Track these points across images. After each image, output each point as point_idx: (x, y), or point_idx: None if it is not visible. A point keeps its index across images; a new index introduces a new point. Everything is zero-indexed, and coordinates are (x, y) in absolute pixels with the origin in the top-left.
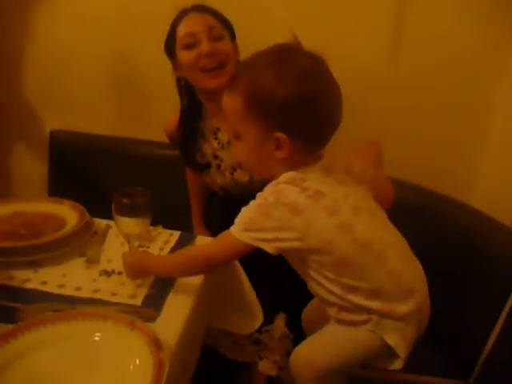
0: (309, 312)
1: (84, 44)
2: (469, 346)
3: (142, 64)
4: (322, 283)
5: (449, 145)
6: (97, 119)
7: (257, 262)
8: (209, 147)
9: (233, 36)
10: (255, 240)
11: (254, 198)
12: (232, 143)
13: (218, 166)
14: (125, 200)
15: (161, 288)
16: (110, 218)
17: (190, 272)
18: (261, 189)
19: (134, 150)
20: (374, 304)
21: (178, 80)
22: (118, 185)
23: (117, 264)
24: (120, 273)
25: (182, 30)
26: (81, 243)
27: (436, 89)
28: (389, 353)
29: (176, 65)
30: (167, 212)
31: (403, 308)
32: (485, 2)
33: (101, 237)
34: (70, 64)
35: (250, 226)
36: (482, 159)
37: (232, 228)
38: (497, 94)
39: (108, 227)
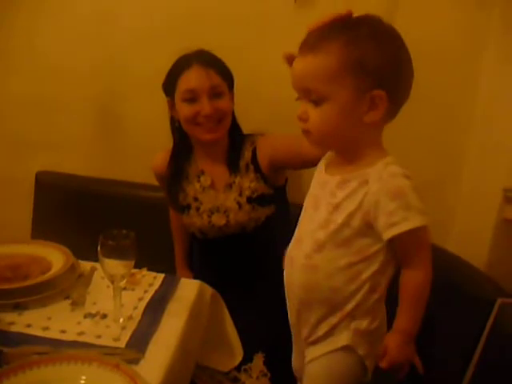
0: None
1: (71, 89)
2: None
3: (128, 108)
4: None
5: (426, 186)
6: (83, 161)
7: (239, 301)
8: (191, 189)
9: (232, 85)
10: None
11: (229, 240)
12: (306, 114)
13: (198, 209)
14: (110, 242)
15: (145, 330)
16: (95, 260)
17: (428, 295)
18: (235, 232)
19: (119, 192)
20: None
21: (172, 119)
22: (102, 227)
23: (101, 306)
24: (104, 315)
25: (183, 83)
26: (66, 286)
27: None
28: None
29: (172, 105)
30: (151, 254)
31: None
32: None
33: (86, 279)
34: (57, 106)
35: (422, 207)
36: (457, 200)
37: (411, 223)
38: (470, 137)
39: (93, 269)
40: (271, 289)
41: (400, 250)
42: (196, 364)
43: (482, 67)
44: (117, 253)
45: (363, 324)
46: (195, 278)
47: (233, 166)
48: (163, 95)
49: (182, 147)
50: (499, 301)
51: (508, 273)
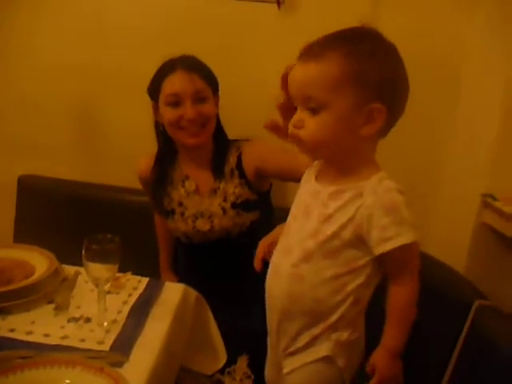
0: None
1: (54, 92)
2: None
3: (111, 111)
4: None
5: (408, 191)
6: (66, 165)
7: (223, 304)
8: (176, 194)
9: (216, 90)
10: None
11: (214, 245)
12: (302, 122)
13: (182, 214)
14: (95, 246)
15: (129, 333)
16: (79, 264)
17: (415, 312)
18: (220, 237)
19: (103, 196)
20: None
21: (157, 123)
22: (86, 231)
23: (85, 310)
24: (88, 319)
25: (167, 87)
26: (50, 290)
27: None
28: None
29: (156, 108)
30: (136, 258)
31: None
32: None
33: (70, 283)
34: (39, 109)
35: (414, 223)
36: (438, 205)
37: (404, 238)
38: (451, 145)
39: (77, 274)
40: (255, 292)
41: (390, 265)
42: (180, 367)
43: (463, 77)
44: (101, 257)
45: (344, 335)
46: (180, 281)
47: (217, 171)
48: (148, 99)
49: (167, 152)
50: (476, 303)
51: (486, 275)
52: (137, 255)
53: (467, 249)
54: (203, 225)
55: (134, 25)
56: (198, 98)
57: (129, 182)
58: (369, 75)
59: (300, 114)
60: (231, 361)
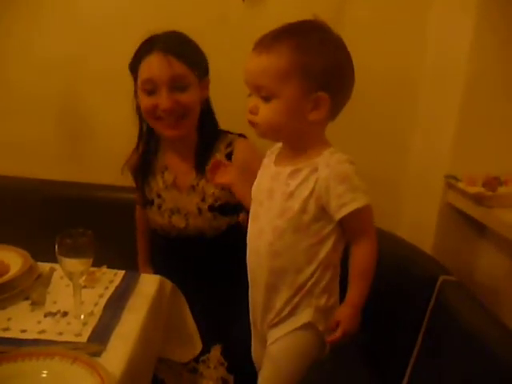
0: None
1: (39, 86)
2: (395, 359)
3: (95, 110)
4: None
5: (376, 175)
6: (43, 164)
7: (198, 294)
8: (155, 184)
9: (203, 75)
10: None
11: (189, 242)
12: (256, 108)
13: (159, 206)
14: (68, 240)
15: (106, 324)
16: (54, 261)
17: (375, 269)
18: (195, 236)
19: (76, 193)
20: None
21: (137, 107)
22: (59, 228)
23: (62, 305)
24: (65, 313)
25: (143, 72)
26: (25, 287)
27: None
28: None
29: (136, 90)
30: (112, 253)
31: None
32: None
33: (45, 280)
34: (20, 107)
35: (366, 188)
36: (404, 188)
37: (358, 203)
38: (414, 129)
39: (52, 270)
40: (230, 285)
41: (349, 228)
42: (157, 357)
43: (425, 66)
44: (74, 251)
45: (322, 301)
46: (155, 273)
47: (200, 166)
48: (127, 93)
49: (149, 138)
50: (441, 278)
51: (453, 254)
52: (114, 252)
53: (434, 229)
54: (179, 221)
55: (106, 14)
56: (177, 86)
57: (102, 179)
58: (314, 66)
59: (254, 101)
60: (205, 350)
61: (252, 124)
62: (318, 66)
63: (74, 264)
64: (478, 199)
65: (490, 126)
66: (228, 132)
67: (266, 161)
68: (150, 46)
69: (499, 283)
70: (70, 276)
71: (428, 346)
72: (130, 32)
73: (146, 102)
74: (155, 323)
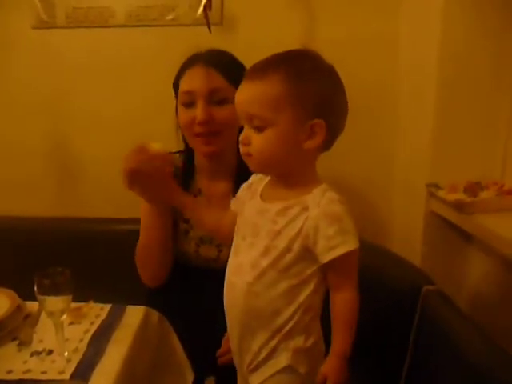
0: None
1: (21, 128)
2: (386, 372)
3: (81, 149)
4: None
5: (363, 186)
6: (28, 201)
7: (188, 324)
8: None
9: None
10: None
11: (208, 274)
12: (248, 138)
13: (186, 232)
14: (45, 280)
15: (90, 360)
16: None
17: (357, 316)
18: (222, 269)
19: (64, 228)
20: None
21: (178, 126)
22: (45, 264)
23: (48, 343)
24: (50, 351)
25: (183, 84)
26: (13, 327)
27: None
28: None
29: (176, 108)
30: (104, 286)
31: None
32: None
33: (33, 319)
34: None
35: (356, 231)
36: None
37: (347, 246)
38: (398, 140)
39: (41, 309)
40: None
41: (333, 272)
42: None
43: (399, 78)
44: (54, 290)
45: (300, 342)
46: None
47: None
48: (115, 130)
49: (187, 157)
50: (424, 288)
51: (440, 262)
52: (99, 283)
53: (421, 238)
54: (208, 251)
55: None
56: (215, 100)
57: (87, 212)
58: (309, 94)
59: (246, 132)
60: (199, 382)
61: (245, 156)
62: (311, 94)
63: (54, 303)
64: (458, 206)
65: (467, 132)
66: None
67: (247, 193)
68: (192, 59)
69: (483, 290)
70: (51, 315)
71: (417, 358)
72: (114, 67)
73: (183, 115)
74: (140, 355)
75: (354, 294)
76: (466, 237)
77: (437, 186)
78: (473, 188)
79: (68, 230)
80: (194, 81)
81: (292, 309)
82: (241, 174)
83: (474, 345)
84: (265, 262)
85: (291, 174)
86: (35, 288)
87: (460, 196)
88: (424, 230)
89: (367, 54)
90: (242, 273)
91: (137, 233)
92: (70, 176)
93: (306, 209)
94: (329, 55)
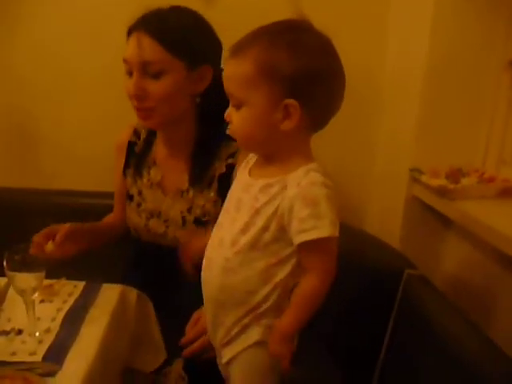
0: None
1: None
2: (365, 356)
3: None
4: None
5: (343, 171)
6: None
7: (163, 304)
8: (138, 179)
9: (196, 62)
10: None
11: (162, 249)
12: (230, 116)
13: (139, 204)
14: (17, 256)
15: (63, 341)
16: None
17: (319, 303)
18: (170, 246)
19: (24, 201)
20: None
21: None
22: (7, 238)
23: (16, 322)
24: (20, 331)
25: (124, 51)
26: None
27: None
28: None
29: None
30: (71, 263)
31: None
32: None
33: (0, 296)
34: None
35: (334, 218)
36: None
37: (322, 232)
38: (380, 124)
39: (8, 285)
40: (197, 296)
41: (304, 256)
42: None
43: (385, 62)
44: (25, 266)
45: (272, 319)
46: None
47: (194, 171)
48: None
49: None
50: (406, 272)
51: (419, 247)
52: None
53: (400, 222)
54: (157, 226)
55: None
56: (151, 72)
57: (51, 184)
58: (282, 70)
59: (229, 110)
60: (168, 363)
61: (230, 133)
62: (284, 69)
63: (25, 279)
64: (440, 192)
65: (451, 118)
66: (233, 139)
67: (242, 166)
68: (135, 25)
69: (463, 275)
70: (22, 293)
71: (397, 345)
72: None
73: (125, 84)
74: (118, 335)
75: (319, 282)
76: (445, 222)
77: (419, 171)
78: (454, 174)
79: (29, 202)
80: (129, 50)
81: (267, 289)
82: (198, 152)
83: (456, 330)
84: (243, 240)
85: (276, 152)
86: (4, 263)
87: (442, 182)
88: (404, 214)
89: (354, 36)
90: (220, 247)
91: (107, 207)
92: (30, 142)
93: (285, 187)
94: None
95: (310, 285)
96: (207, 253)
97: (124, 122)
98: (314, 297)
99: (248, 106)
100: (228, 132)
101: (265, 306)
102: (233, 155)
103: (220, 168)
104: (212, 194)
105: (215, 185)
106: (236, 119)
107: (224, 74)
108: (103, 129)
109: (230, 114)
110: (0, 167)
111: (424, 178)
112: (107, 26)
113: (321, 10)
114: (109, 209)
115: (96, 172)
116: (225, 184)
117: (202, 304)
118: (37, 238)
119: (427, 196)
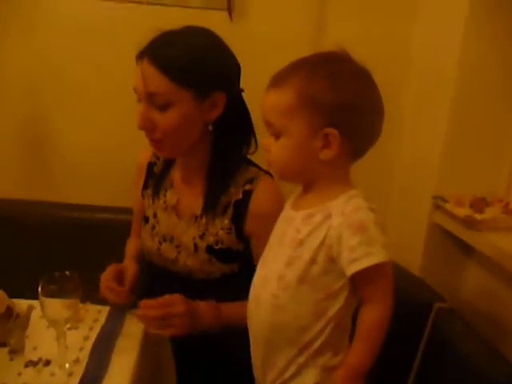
0: None
1: None
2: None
3: (58, 128)
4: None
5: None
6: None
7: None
8: (156, 200)
9: (207, 91)
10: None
11: (173, 276)
12: (268, 146)
13: (153, 227)
14: (52, 286)
15: (94, 373)
16: (31, 296)
17: (385, 333)
18: (180, 272)
19: (44, 213)
20: None
21: None
22: (33, 255)
23: (43, 352)
24: (48, 362)
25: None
26: (2, 332)
27: None
28: None
29: None
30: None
31: None
32: None
33: (23, 321)
34: None
35: (385, 242)
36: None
37: (375, 258)
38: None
39: (31, 309)
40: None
41: (361, 285)
42: None
43: (411, 82)
44: (59, 295)
45: (329, 360)
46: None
47: (209, 197)
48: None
49: None
50: (436, 305)
51: (441, 276)
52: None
53: (422, 250)
54: (169, 251)
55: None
56: (157, 104)
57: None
58: (322, 99)
59: (267, 139)
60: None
61: (268, 163)
62: (324, 99)
63: (59, 309)
64: (467, 222)
65: (476, 147)
66: (253, 164)
67: (286, 204)
68: (141, 53)
69: (486, 305)
70: (54, 323)
71: (424, 377)
72: (101, 41)
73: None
74: (146, 366)
75: (383, 308)
76: (467, 251)
77: (443, 199)
78: (478, 203)
79: (40, 215)
80: (136, 79)
81: (321, 324)
82: (213, 177)
83: (487, 363)
84: (290, 274)
85: (315, 181)
86: (39, 290)
87: (467, 211)
88: (425, 242)
89: (377, 55)
90: (267, 285)
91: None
92: (42, 155)
93: (329, 217)
94: None
95: (372, 315)
96: (254, 291)
97: (139, 137)
98: (378, 327)
99: (288, 136)
100: (267, 162)
101: (319, 342)
102: (251, 181)
103: (236, 194)
104: (226, 222)
105: (230, 211)
106: (275, 149)
107: (263, 103)
108: (118, 144)
109: (269, 143)
110: (14, 180)
111: (448, 207)
112: (126, 39)
113: (344, 27)
114: (121, 223)
115: (110, 187)
116: (240, 211)
117: (210, 331)
118: (106, 280)
119: (451, 225)
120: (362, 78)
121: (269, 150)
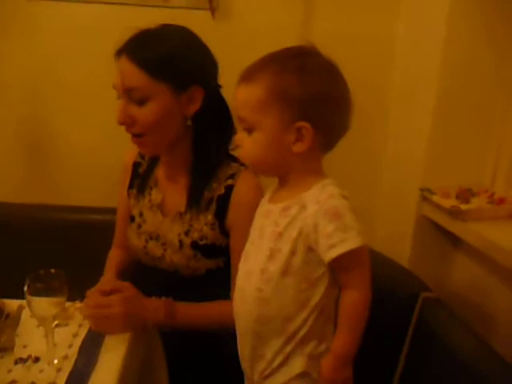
0: None
1: None
2: (379, 380)
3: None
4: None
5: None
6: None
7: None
8: (141, 199)
9: (184, 85)
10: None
11: (161, 274)
12: (241, 141)
13: (139, 226)
14: (38, 284)
15: (82, 369)
16: (21, 296)
17: (366, 316)
18: (168, 269)
19: (41, 216)
20: None
21: None
22: (25, 256)
23: (33, 349)
24: (37, 359)
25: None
26: None
27: None
28: None
29: None
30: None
31: None
32: None
33: (13, 320)
34: None
35: (360, 227)
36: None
37: (352, 243)
38: (387, 144)
39: (21, 308)
40: None
41: (339, 271)
42: None
43: (396, 77)
44: (46, 293)
45: (315, 348)
46: None
47: (192, 193)
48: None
49: None
50: (422, 295)
51: (429, 267)
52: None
53: (410, 242)
54: (155, 249)
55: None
56: (135, 99)
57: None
58: (293, 93)
59: (240, 134)
60: None
61: (241, 158)
62: (295, 93)
63: (46, 307)
64: (454, 213)
65: (461, 139)
66: (234, 159)
67: (264, 198)
68: (120, 49)
69: (474, 295)
70: (42, 320)
71: (412, 368)
72: (99, 45)
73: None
74: (134, 363)
75: (361, 293)
76: (456, 242)
77: (430, 191)
78: (465, 194)
79: (38, 218)
80: (115, 76)
81: (305, 314)
82: (195, 174)
83: (474, 354)
84: (272, 267)
85: (289, 174)
86: (25, 289)
87: (453, 202)
88: (414, 234)
89: (362, 51)
90: (251, 279)
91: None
92: (41, 157)
93: (304, 207)
94: (322, 48)
95: (351, 300)
96: (238, 285)
97: None
98: (358, 311)
99: (260, 130)
100: (239, 156)
101: (304, 331)
102: (232, 176)
103: (219, 189)
104: (210, 217)
105: (213, 206)
106: (248, 143)
107: (235, 99)
108: (118, 145)
109: (241, 138)
110: (13, 182)
111: (435, 198)
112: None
113: (328, 24)
114: None
115: (110, 188)
116: (223, 206)
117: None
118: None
119: (438, 216)
120: (331, 72)
121: (241, 144)
